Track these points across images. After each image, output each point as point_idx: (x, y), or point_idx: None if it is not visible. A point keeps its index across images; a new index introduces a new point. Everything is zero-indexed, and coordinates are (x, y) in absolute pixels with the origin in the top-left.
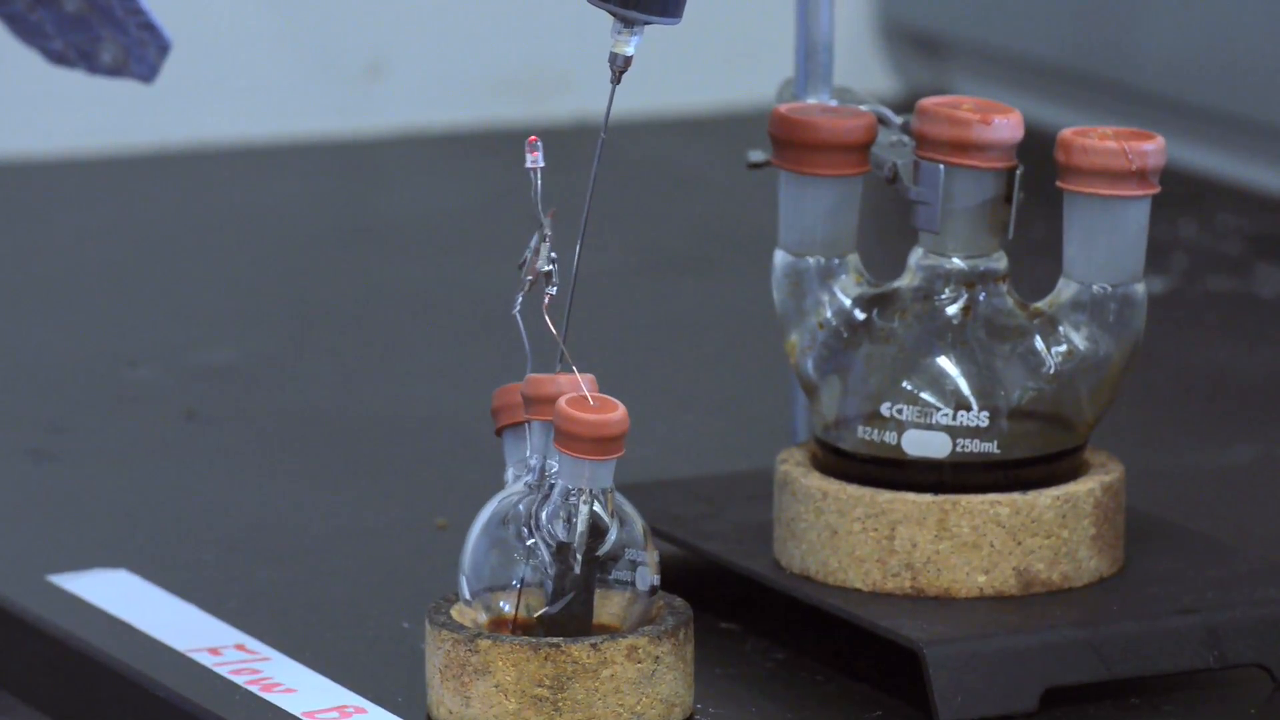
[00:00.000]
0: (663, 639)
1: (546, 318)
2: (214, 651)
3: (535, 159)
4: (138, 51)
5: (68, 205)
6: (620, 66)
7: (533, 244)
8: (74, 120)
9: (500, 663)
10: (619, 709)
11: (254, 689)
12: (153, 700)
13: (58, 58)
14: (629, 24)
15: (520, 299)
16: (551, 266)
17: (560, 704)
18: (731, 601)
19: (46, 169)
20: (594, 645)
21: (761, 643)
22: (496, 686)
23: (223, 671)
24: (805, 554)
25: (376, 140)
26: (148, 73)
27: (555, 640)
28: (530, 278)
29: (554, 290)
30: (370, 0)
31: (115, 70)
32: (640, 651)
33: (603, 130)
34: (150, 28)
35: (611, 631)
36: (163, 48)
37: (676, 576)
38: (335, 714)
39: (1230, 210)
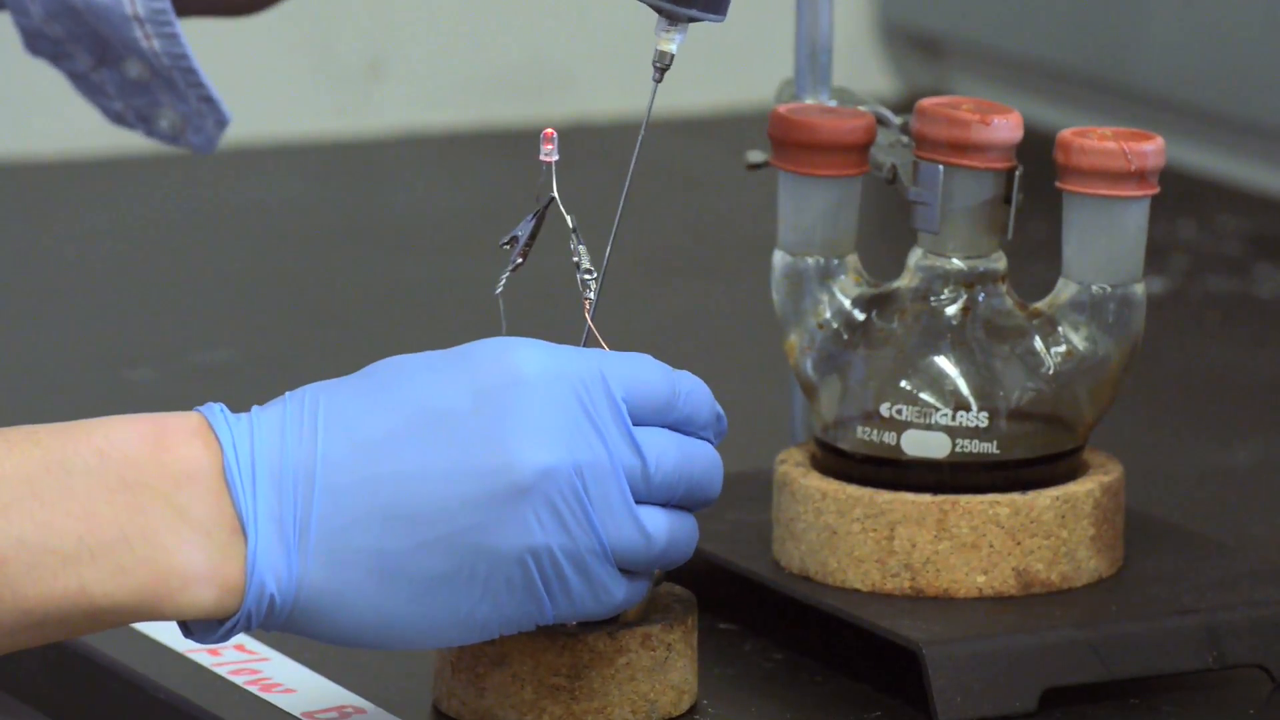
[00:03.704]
0: (674, 627)
1: (590, 323)
2: (213, 652)
3: (549, 150)
4: (196, 122)
5: (68, 205)
6: (664, 64)
7: (524, 224)
8: (74, 120)
9: (517, 652)
10: (634, 696)
11: (254, 689)
12: (152, 700)
13: (116, 118)
14: (674, 20)
15: (505, 280)
16: (589, 273)
17: (577, 692)
18: (731, 602)
19: (46, 169)
20: (610, 634)
21: (761, 643)
22: (514, 676)
23: (222, 671)
24: (804, 554)
25: (376, 140)
26: (204, 144)
27: (572, 629)
28: (520, 259)
29: (592, 296)
30: (370, 0)
31: (173, 137)
32: (654, 639)
33: (643, 128)
34: (210, 101)
35: (620, 620)
36: (221, 122)
37: (675, 576)
38: (335, 714)
39: (1230, 211)
